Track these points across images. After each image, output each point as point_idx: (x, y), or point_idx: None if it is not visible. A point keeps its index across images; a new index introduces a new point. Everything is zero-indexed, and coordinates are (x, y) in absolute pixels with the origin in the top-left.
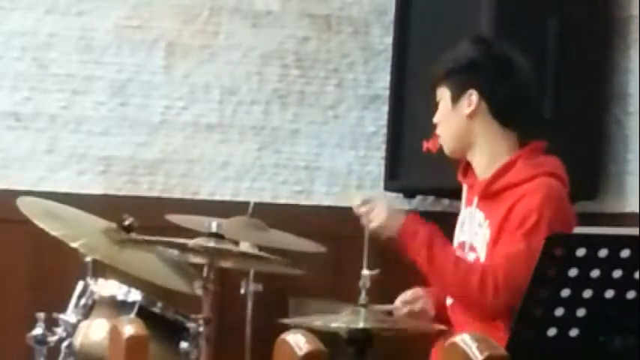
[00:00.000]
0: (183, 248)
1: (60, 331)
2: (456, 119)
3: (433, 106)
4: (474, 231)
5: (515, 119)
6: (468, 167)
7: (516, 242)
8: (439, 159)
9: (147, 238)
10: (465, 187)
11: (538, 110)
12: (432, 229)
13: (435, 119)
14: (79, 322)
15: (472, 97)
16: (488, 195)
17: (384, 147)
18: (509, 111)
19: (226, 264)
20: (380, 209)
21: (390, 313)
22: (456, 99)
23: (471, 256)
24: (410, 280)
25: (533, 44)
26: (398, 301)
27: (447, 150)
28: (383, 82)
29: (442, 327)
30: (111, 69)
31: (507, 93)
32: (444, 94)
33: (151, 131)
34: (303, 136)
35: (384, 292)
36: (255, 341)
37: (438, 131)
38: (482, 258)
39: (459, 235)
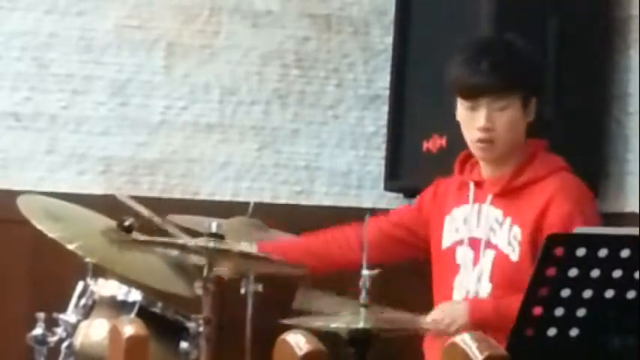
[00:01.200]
0: (183, 248)
1: (60, 331)
2: (523, 126)
3: (438, 108)
4: (489, 228)
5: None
6: (465, 160)
7: None
8: (439, 159)
9: (146, 238)
10: (471, 185)
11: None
12: (495, 303)
13: (490, 124)
14: (79, 322)
15: (533, 105)
16: (509, 191)
17: (384, 147)
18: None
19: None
20: (445, 321)
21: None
22: (525, 107)
23: (489, 254)
24: (410, 280)
25: (533, 44)
26: None
27: (497, 154)
28: (383, 82)
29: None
30: (111, 69)
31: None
32: (513, 103)
33: (151, 131)
34: (303, 136)
35: (384, 292)
36: (255, 341)
37: (499, 137)
38: (514, 257)
39: (462, 231)
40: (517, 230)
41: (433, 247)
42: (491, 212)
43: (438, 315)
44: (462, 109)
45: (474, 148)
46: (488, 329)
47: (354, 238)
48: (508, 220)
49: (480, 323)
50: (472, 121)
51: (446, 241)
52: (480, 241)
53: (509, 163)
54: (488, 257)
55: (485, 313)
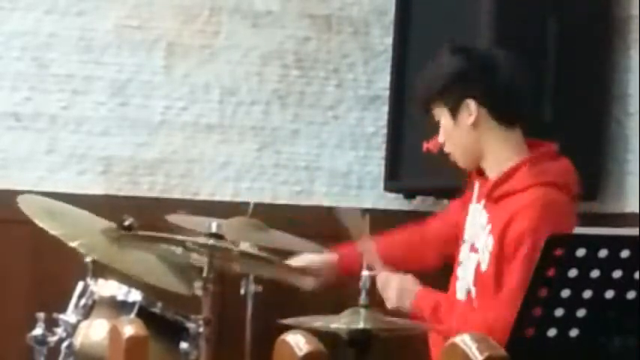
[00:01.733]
0: (183, 248)
1: (60, 331)
2: (460, 133)
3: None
4: (476, 231)
5: (515, 116)
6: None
7: (514, 279)
8: (439, 159)
9: (147, 233)
10: (477, 184)
11: (536, 102)
12: (437, 302)
13: (440, 139)
14: (79, 322)
15: (470, 107)
16: (492, 199)
17: (384, 147)
18: (507, 109)
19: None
20: (391, 291)
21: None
22: (455, 113)
23: (473, 257)
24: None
25: (533, 44)
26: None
27: (462, 165)
28: (383, 82)
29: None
30: (111, 69)
31: (501, 91)
32: (441, 112)
33: (151, 131)
34: (303, 137)
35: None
36: (255, 341)
37: (447, 149)
38: (484, 266)
39: (467, 230)
40: (490, 240)
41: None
42: (482, 216)
43: (389, 283)
44: None
45: None
46: (424, 320)
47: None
48: (489, 227)
49: (417, 311)
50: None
51: (461, 238)
52: (467, 242)
53: (500, 167)
54: (472, 261)
55: (423, 306)
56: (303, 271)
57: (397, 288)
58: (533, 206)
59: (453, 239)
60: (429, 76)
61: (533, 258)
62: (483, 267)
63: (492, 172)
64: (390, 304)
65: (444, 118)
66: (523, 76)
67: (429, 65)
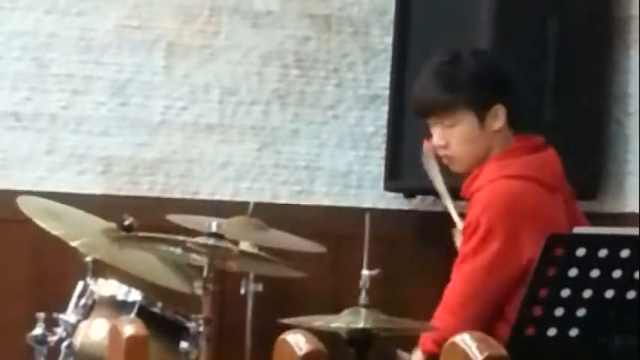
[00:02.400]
0: (183, 248)
1: (60, 331)
2: (485, 139)
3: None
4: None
5: (523, 118)
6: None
7: (460, 254)
8: (439, 159)
9: (147, 234)
10: None
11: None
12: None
13: (442, 142)
14: (79, 322)
15: (499, 112)
16: (467, 198)
17: (384, 147)
18: (523, 115)
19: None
20: None
21: None
22: (482, 118)
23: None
24: (409, 280)
25: (533, 44)
26: None
27: (464, 169)
28: (383, 82)
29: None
30: (111, 69)
31: (521, 97)
32: (464, 117)
33: (151, 131)
34: (303, 136)
35: (384, 292)
36: (255, 341)
37: (454, 153)
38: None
39: None
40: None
41: None
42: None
43: None
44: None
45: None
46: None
47: None
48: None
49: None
50: (434, 138)
51: None
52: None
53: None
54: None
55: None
56: None
57: None
58: (483, 198)
59: None
60: (452, 81)
61: (477, 241)
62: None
63: None
64: None
65: (467, 123)
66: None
67: (444, 69)
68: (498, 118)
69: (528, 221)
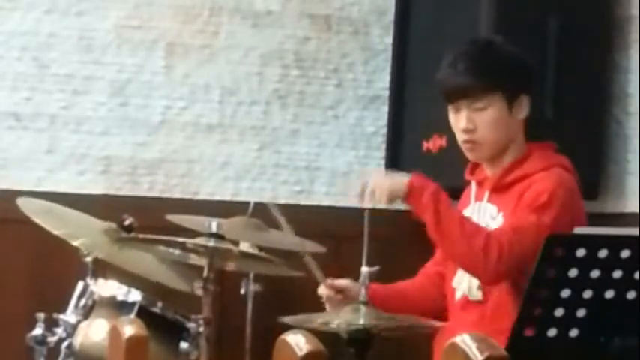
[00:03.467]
0: (183, 248)
1: (60, 331)
2: (513, 125)
3: (438, 108)
4: (485, 224)
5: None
6: (477, 165)
7: (525, 216)
8: (439, 159)
9: (147, 236)
10: (473, 185)
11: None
12: (437, 188)
13: (471, 125)
14: (79, 322)
15: (524, 102)
16: (502, 187)
17: (384, 147)
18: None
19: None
20: (381, 184)
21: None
22: (511, 105)
23: None
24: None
25: (533, 44)
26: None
27: (486, 156)
28: (383, 82)
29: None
30: (111, 69)
31: (534, 90)
32: (495, 101)
33: (151, 131)
34: (303, 136)
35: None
36: (255, 341)
37: (482, 137)
38: None
39: None
40: (502, 223)
41: None
42: (488, 209)
43: (368, 185)
44: (449, 113)
45: (463, 150)
46: (419, 204)
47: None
48: (500, 215)
49: (417, 190)
50: (456, 123)
51: None
52: None
53: (506, 161)
54: None
55: (424, 184)
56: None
57: (388, 179)
58: (551, 177)
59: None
60: (488, 65)
61: (545, 210)
62: None
63: (499, 166)
64: (383, 197)
65: (497, 108)
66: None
67: (479, 54)
68: (523, 107)
69: (581, 217)
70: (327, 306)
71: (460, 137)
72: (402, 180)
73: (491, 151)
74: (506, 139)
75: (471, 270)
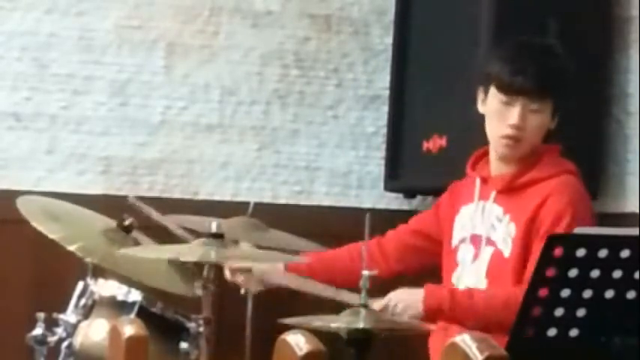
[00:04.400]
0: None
1: (60, 331)
2: (545, 132)
3: (438, 108)
4: (490, 225)
5: None
6: (478, 159)
7: None
8: (439, 159)
9: (147, 238)
10: (478, 181)
11: None
12: (450, 290)
13: (521, 122)
14: (79, 322)
15: (557, 115)
16: (511, 189)
17: (384, 147)
18: None
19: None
20: (398, 302)
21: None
22: (554, 115)
23: (488, 250)
24: (409, 280)
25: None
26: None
27: (517, 155)
28: (383, 82)
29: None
30: (111, 69)
31: None
32: (546, 108)
33: (151, 131)
34: (303, 136)
35: (384, 292)
36: (255, 341)
37: (526, 138)
38: (507, 253)
39: (467, 229)
40: (512, 227)
41: (444, 246)
42: (494, 209)
43: (391, 301)
44: (495, 102)
45: (498, 143)
46: (442, 317)
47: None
48: (507, 217)
49: (434, 309)
50: (504, 116)
51: (454, 240)
52: (481, 237)
53: (516, 162)
54: (486, 254)
55: (440, 300)
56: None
57: (399, 301)
58: (565, 188)
59: (424, 249)
60: (554, 71)
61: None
62: (506, 254)
63: (504, 166)
64: (403, 313)
65: (546, 115)
66: None
67: (546, 56)
68: (555, 119)
69: (591, 222)
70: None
71: (504, 131)
72: (416, 299)
73: (527, 151)
74: (539, 144)
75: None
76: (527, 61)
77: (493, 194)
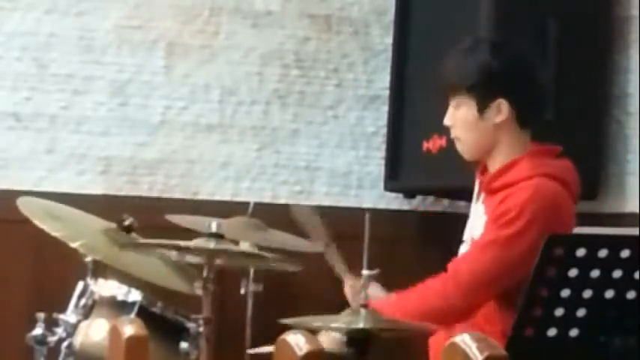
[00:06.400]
0: (183, 248)
1: (60, 331)
2: (482, 128)
3: (438, 108)
4: (475, 225)
5: (535, 119)
6: (485, 165)
7: (488, 233)
8: (439, 159)
9: (147, 241)
10: (476, 184)
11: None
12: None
13: (449, 122)
14: (79, 322)
15: (502, 107)
16: (490, 191)
17: (384, 147)
18: (535, 114)
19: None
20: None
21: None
22: (482, 109)
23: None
24: (409, 280)
25: (533, 44)
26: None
27: (467, 156)
28: (383, 82)
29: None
30: (111, 69)
31: (535, 96)
32: (465, 102)
33: (151, 131)
34: (303, 136)
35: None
36: (255, 341)
37: (458, 136)
38: None
39: (467, 229)
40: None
41: None
42: (480, 210)
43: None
44: None
45: None
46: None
47: None
48: (485, 217)
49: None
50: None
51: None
52: (472, 238)
53: (495, 166)
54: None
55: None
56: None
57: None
58: (527, 189)
59: None
60: (463, 65)
61: (507, 229)
62: None
63: (495, 167)
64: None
65: (467, 109)
66: (549, 81)
67: (463, 53)
68: (501, 112)
69: (562, 227)
70: (351, 298)
71: None
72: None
73: (469, 150)
74: (486, 142)
75: (446, 320)
76: (445, 62)
77: (482, 196)
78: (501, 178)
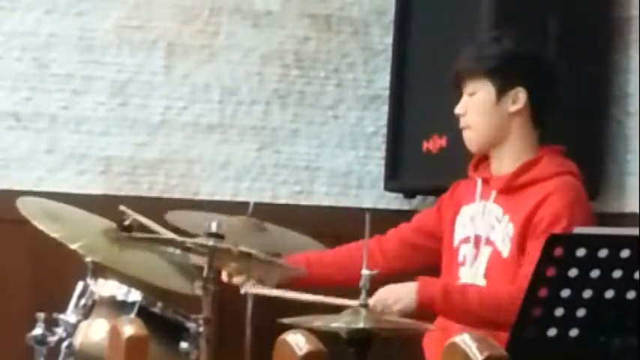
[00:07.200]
0: (183, 248)
1: (60, 331)
2: (497, 115)
3: (438, 108)
4: (489, 225)
5: (547, 118)
6: (480, 161)
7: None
8: (439, 159)
9: (147, 235)
10: (479, 182)
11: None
12: (444, 285)
13: (461, 110)
14: (79, 322)
15: (520, 95)
16: (510, 189)
17: (384, 147)
18: (549, 112)
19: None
20: (390, 295)
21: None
22: (500, 95)
23: (486, 250)
24: (409, 280)
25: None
26: None
27: (474, 144)
28: (383, 82)
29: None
30: (111, 69)
31: (550, 92)
32: (484, 87)
33: (151, 131)
34: (303, 136)
35: None
36: (255, 341)
37: (470, 123)
38: (505, 253)
39: (467, 229)
40: (511, 227)
41: (444, 246)
42: (494, 209)
43: (382, 294)
44: None
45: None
46: (434, 311)
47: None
48: (506, 217)
49: (426, 303)
50: (457, 107)
51: (455, 240)
52: (481, 237)
53: (515, 162)
54: (485, 254)
55: (432, 294)
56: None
57: (391, 293)
58: (565, 189)
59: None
60: (486, 51)
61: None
62: (505, 254)
63: (503, 164)
64: (394, 306)
65: (484, 93)
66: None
67: (487, 41)
68: (518, 101)
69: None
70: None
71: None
72: (409, 292)
73: (479, 136)
74: (498, 130)
75: (498, 329)
76: (465, 50)
77: (493, 194)
78: (524, 175)
